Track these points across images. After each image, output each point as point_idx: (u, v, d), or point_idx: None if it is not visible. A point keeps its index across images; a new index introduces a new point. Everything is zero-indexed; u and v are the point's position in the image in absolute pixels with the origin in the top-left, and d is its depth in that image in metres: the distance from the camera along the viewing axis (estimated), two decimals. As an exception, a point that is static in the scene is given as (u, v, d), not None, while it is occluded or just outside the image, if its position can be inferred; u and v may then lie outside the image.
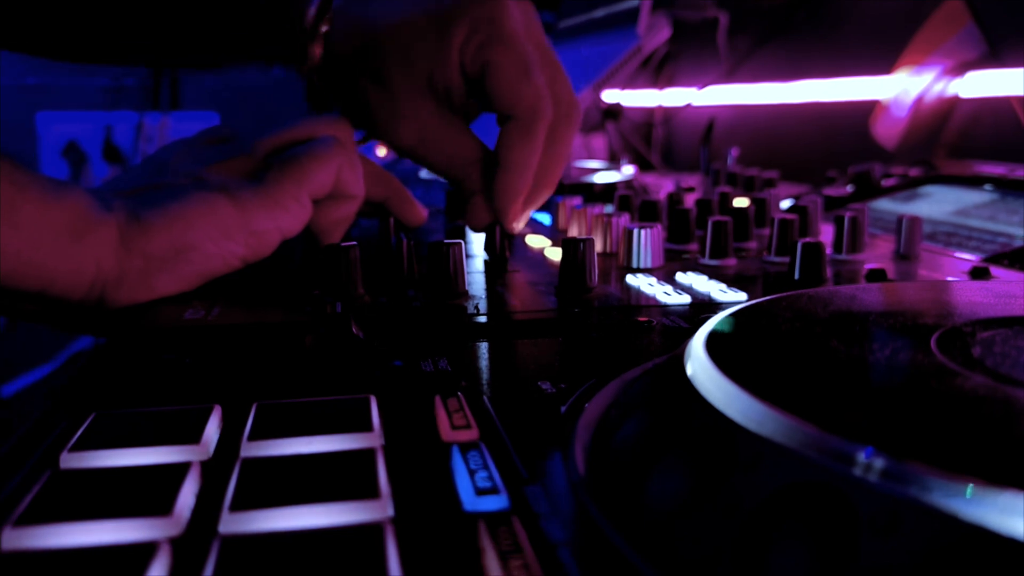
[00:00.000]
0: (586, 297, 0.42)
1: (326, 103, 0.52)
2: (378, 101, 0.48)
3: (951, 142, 0.87)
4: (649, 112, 1.50)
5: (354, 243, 0.41)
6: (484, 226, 0.50)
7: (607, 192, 0.85)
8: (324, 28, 0.48)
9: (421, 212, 0.55)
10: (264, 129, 0.45)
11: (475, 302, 0.41)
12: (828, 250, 0.46)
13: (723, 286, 0.44)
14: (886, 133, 0.92)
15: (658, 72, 1.50)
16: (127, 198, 0.38)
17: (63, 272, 0.34)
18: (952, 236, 0.60)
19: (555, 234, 0.63)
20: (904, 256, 0.54)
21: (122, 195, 0.38)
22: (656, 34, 1.35)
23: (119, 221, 0.36)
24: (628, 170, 1.04)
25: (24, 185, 0.32)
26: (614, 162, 1.26)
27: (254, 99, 2.02)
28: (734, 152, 1.05)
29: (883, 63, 0.93)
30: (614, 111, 1.41)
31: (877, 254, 0.55)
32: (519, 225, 0.50)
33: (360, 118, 0.50)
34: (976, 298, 0.30)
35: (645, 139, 1.49)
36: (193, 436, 0.23)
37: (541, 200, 0.52)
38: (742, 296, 0.42)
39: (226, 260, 0.39)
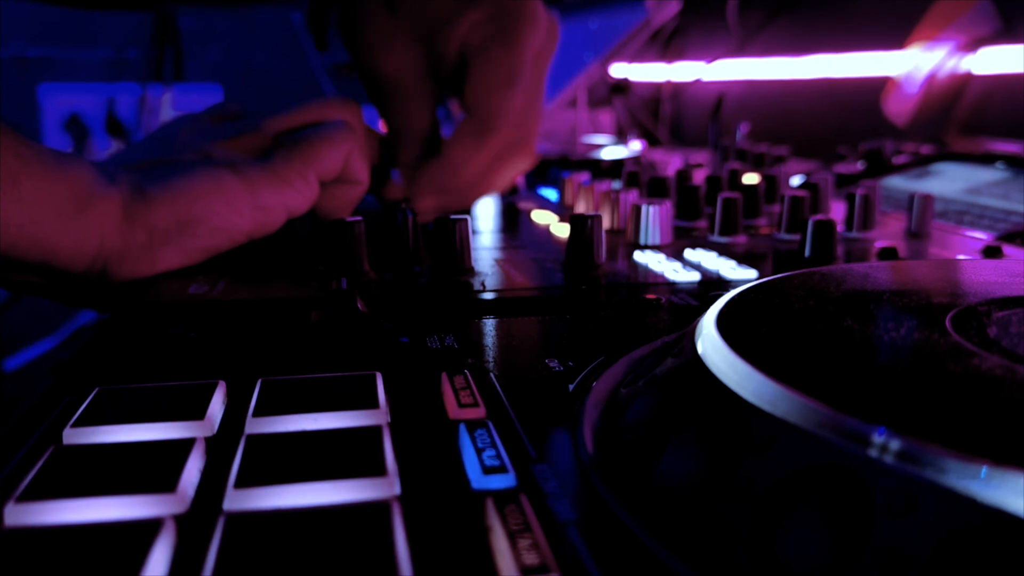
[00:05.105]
0: (594, 274, 0.41)
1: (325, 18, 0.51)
2: (381, 24, 0.48)
3: (963, 119, 0.86)
4: (657, 87, 1.48)
5: (359, 218, 0.41)
6: (393, 200, 0.50)
7: (614, 168, 0.84)
8: None
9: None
10: (272, 107, 0.44)
11: (481, 278, 0.41)
12: (839, 227, 0.46)
13: (733, 263, 0.44)
14: (897, 110, 0.91)
15: (667, 46, 1.48)
16: (132, 172, 0.38)
17: (66, 245, 0.33)
18: (964, 214, 0.60)
19: (562, 210, 0.62)
20: (915, 234, 0.53)
21: (127, 169, 0.38)
22: (665, 7, 1.33)
23: (123, 195, 0.36)
24: (636, 146, 1.04)
25: (28, 158, 0.32)
26: (621, 138, 1.25)
27: (258, 72, 2.01)
28: (744, 128, 1.04)
29: (895, 38, 0.92)
30: (622, 86, 1.40)
31: (888, 232, 0.54)
32: (424, 215, 0.48)
33: (351, 35, 0.50)
34: (990, 277, 0.29)
35: (653, 114, 1.48)
36: (197, 412, 0.23)
37: (453, 206, 0.49)
38: (752, 274, 0.42)
39: (231, 235, 0.39)
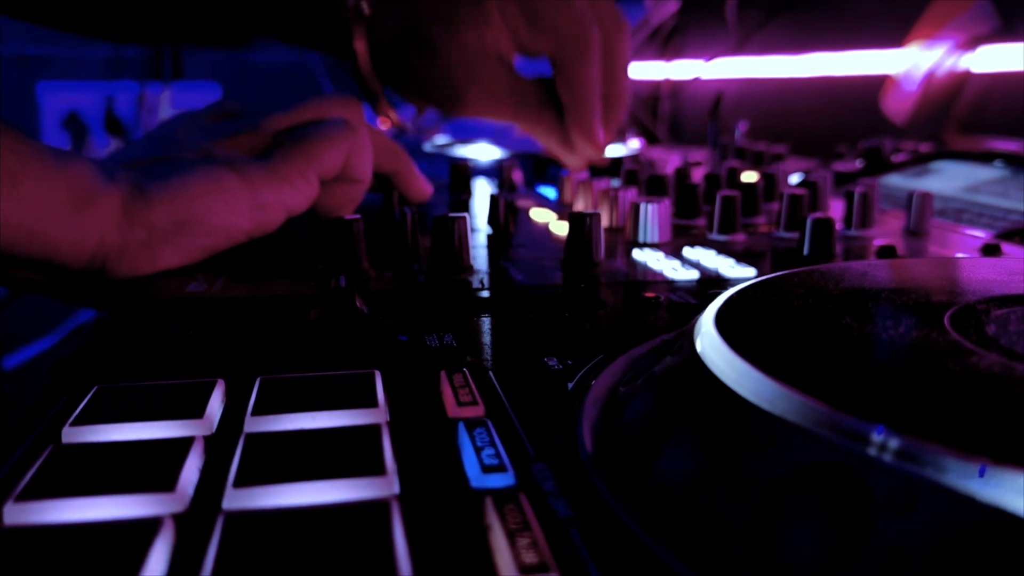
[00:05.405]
0: (592, 272, 0.41)
1: (373, 88, 0.52)
2: (433, 77, 0.48)
3: (962, 117, 0.86)
4: (656, 85, 1.48)
5: (358, 216, 0.41)
6: (581, 167, 0.51)
7: (613, 166, 0.84)
8: (367, 11, 0.48)
9: (427, 187, 0.54)
10: (272, 106, 0.44)
11: (480, 277, 0.40)
12: (838, 226, 0.46)
13: (731, 261, 0.44)
14: (896, 108, 0.91)
15: (665, 44, 1.48)
16: (132, 170, 0.38)
17: (65, 242, 0.33)
18: (963, 212, 0.60)
19: (560, 208, 0.62)
20: (914, 232, 0.53)
21: (127, 167, 0.38)
22: (664, 6, 1.33)
23: (122, 192, 0.36)
24: (634, 144, 1.04)
25: (27, 156, 0.32)
26: (620, 136, 1.25)
27: (257, 71, 2.01)
28: (742, 126, 1.04)
29: (894, 36, 0.92)
30: (620, 84, 1.39)
31: (887, 230, 0.54)
32: (606, 151, 0.51)
33: (417, 96, 0.51)
34: (989, 275, 0.29)
35: (652, 112, 1.48)
36: (196, 411, 0.23)
37: (617, 119, 0.52)
38: (751, 272, 0.42)
39: (230, 234, 0.39)
